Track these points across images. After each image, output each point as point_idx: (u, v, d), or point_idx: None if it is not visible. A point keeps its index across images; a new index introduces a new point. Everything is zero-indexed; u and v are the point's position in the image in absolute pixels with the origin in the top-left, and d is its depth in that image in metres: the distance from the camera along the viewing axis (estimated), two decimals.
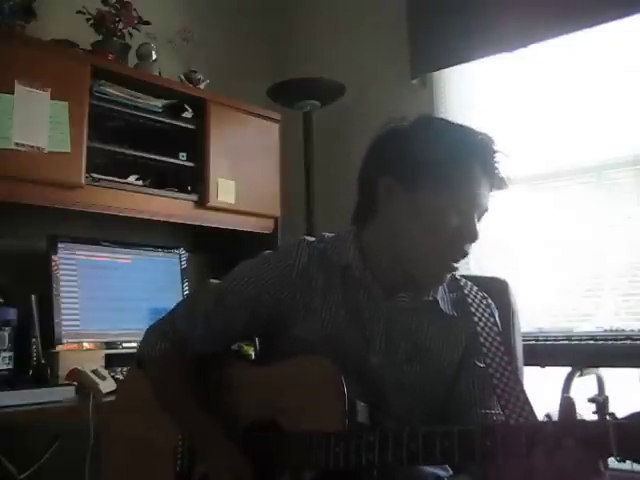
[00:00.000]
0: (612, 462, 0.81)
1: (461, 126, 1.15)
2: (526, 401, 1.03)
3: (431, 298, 1.17)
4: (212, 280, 1.28)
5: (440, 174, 1.08)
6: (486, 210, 1.13)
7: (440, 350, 1.16)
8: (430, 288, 1.17)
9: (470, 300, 1.19)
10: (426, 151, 1.10)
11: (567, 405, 0.83)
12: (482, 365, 1.11)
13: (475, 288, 1.23)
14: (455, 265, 1.12)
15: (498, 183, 1.13)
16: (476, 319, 1.16)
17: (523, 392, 1.05)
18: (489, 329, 1.14)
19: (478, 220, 1.11)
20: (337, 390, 1.01)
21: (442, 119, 1.21)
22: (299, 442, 1.01)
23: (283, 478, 1.04)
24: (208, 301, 1.22)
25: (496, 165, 1.12)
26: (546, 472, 0.81)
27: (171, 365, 1.21)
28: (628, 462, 0.78)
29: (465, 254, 1.11)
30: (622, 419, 0.79)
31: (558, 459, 0.80)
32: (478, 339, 1.13)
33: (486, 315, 1.17)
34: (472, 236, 1.09)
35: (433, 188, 1.08)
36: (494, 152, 1.12)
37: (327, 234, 1.23)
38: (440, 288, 1.18)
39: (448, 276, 1.16)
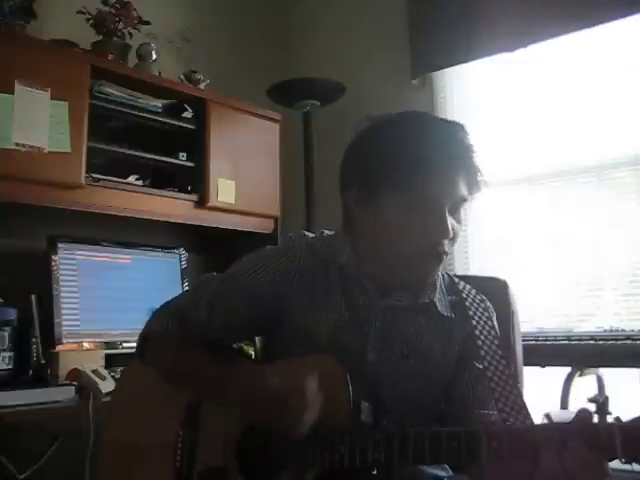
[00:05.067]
0: (612, 462, 0.81)
1: (419, 124, 1.12)
2: (523, 406, 1.03)
3: (427, 300, 1.17)
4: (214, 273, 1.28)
5: (396, 178, 1.07)
6: (463, 199, 1.09)
7: (435, 350, 1.16)
8: (417, 290, 1.16)
9: (468, 304, 1.19)
10: (380, 158, 1.09)
11: (583, 416, 0.82)
12: (480, 366, 1.12)
13: (473, 291, 1.22)
14: (435, 264, 1.10)
15: (469, 170, 1.09)
16: (474, 322, 1.16)
17: (520, 397, 1.05)
18: (487, 332, 1.14)
19: (452, 214, 1.09)
20: (342, 389, 1.01)
21: (400, 118, 1.15)
22: (303, 440, 1.01)
23: (285, 476, 1.04)
24: (210, 288, 1.22)
25: (462, 154, 1.09)
26: (552, 473, 0.81)
27: (181, 338, 1.21)
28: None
29: (439, 253, 1.08)
30: (628, 422, 0.79)
31: (564, 460, 0.80)
32: (476, 342, 1.13)
33: (484, 318, 1.17)
34: (442, 233, 1.07)
35: (392, 193, 1.08)
36: (458, 142, 1.09)
37: (326, 232, 1.24)
38: (437, 290, 1.18)
39: (434, 276, 1.14)
